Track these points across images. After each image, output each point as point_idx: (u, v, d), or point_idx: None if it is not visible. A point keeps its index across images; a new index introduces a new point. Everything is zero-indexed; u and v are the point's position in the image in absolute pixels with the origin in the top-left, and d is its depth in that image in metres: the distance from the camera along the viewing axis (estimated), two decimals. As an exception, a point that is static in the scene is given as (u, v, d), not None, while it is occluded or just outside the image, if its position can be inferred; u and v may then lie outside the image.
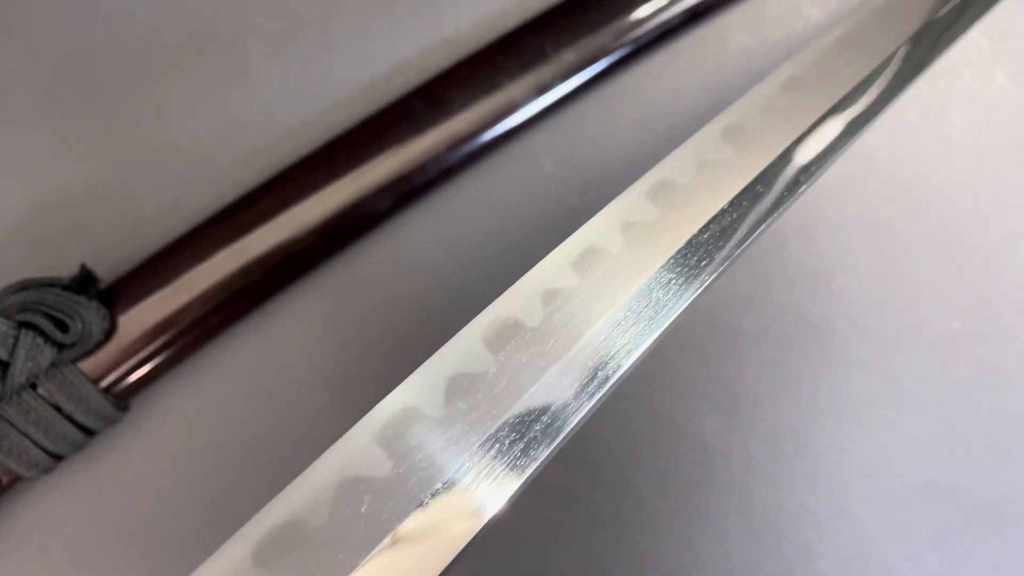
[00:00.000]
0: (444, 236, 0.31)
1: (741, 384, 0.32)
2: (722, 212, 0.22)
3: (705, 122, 0.24)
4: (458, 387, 0.18)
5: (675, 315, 0.20)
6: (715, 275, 0.21)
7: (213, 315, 0.28)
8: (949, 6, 0.28)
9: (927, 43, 0.27)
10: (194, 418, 0.29)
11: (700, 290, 0.21)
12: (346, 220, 0.28)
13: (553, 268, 0.19)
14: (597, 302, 0.19)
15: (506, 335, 0.18)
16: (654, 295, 0.20)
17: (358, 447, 0.17)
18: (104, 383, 0.27)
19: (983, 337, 0.34)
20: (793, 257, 0.33)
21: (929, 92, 0.35)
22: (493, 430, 0.18)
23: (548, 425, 0.18)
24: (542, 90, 0.30)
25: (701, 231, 0.22)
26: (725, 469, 0.32)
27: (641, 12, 0.31)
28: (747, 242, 0.22)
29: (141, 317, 0.27)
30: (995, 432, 0.33)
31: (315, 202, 0.28)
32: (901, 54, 0.27)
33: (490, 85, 0.30)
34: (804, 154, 0.23)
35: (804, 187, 0.23)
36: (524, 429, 0.18)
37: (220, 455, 0.29)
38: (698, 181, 0.22)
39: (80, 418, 0.26)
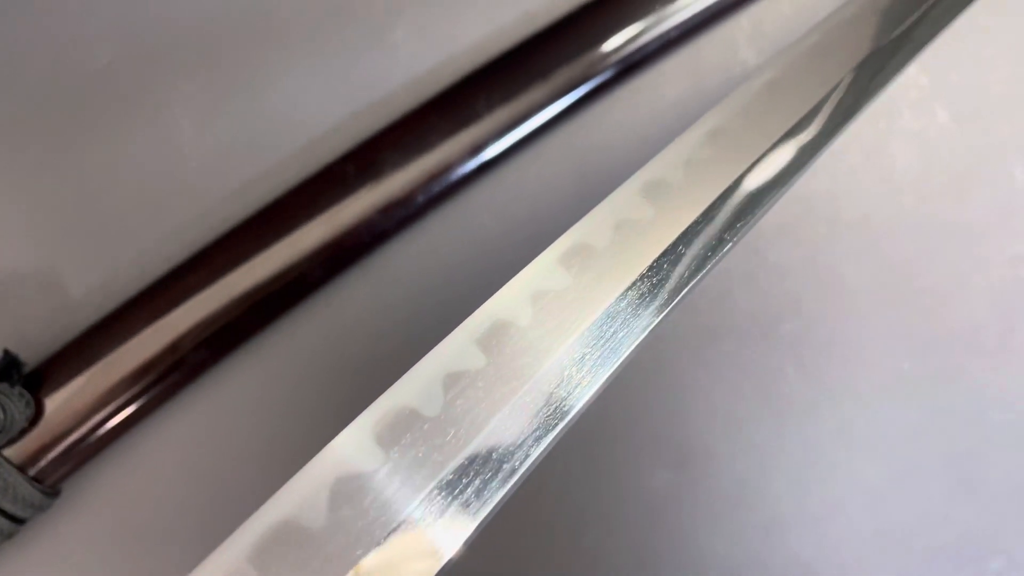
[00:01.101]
0: (383, 299, 0.30)
1: (689, 437, 0.32)
2: (641, 277, 0.21)
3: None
4: (402, 433, 0.17)
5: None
6: (634, 346, 0.20)
7: (143, 394, 0.27)
8: (882, 44, 0.28)
9: (860, 85, 0.27)
10: (130, 498, 0.28)
11: (619, 363, 0.20)
12: (279, 289, 0.28)
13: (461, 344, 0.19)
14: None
15: (449, 383, 0.18)
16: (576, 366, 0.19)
17: (306, 494, 0.16)
18: (32, 470, 0.26)
19: (934, 378, 0.34)
20: (738, 305, 0.33)
21: (870, 132, 0.35)
22: (443, 475, 0.17)
23: (497, 469, 0.18)
24: (477, 149, 0.30)
25: (618, 299, 0.21)
26: (677, 524, 0.32)
27: (575, 67, 0.31)
28: (669, 307, 0.21)
29: (68, 401, 0.26)
30: (948, 473, 0.33)
31: (245, 272, 0.28)
32: (834, 96, 0.26)
33: (423, 146, 0.29)
34: (729, 209, 0.23)
35: (730, 244, 0.23)
36: (474, 473, 0.17)
37: (157, 535, 0.28)
38: (615, 244, 0.22)
39: (7, 507, 0.26)
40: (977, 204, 0.35)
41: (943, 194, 0.35)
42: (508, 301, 0.20)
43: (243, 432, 0.29)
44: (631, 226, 0.21)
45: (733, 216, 0.22)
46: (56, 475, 0.27)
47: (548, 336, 0.19)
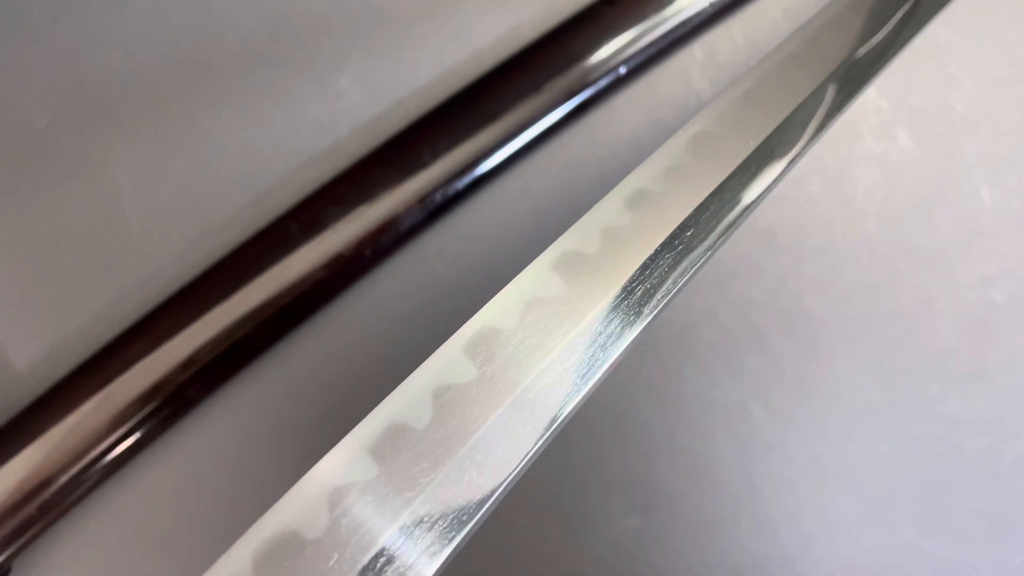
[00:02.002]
0: (335, 356, 0.30)
1: (655, 480, 0.31)
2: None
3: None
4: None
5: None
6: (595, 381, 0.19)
7: (88, 469, 0.26)
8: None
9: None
10: (82, 572, 0.28)
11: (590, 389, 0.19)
12: (225, 352, 0.28)
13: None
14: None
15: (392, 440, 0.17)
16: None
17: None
18: (-24, 550, 0.26)
19: (903, 407, 0.33)
20: (701, 342, 0.32)
21: (831, 158, 0.34)
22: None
23: (447, 525, 0.17)
24: (424, 198, 0.29)
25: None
26: (647, 569, 0.31)
27: (525, 107, 0.31)
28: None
29: (10, 480, 0.26)
30: (921, 504, 0.33)
31: (189, 337, 0.27)
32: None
33: (368, 199, 0.29)
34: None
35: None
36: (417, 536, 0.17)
37: (111, 608, 0.28)
38: (571, 289, 0.21)
39: (-48, 589, 0.25)
40: (944, 226, 0.35)
41: (908, 218, 0.34)
42: (447, 360, 0.19)
43: (194, 496, 0.28)
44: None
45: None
46: (5, 552, 0.26)
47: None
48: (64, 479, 0.26)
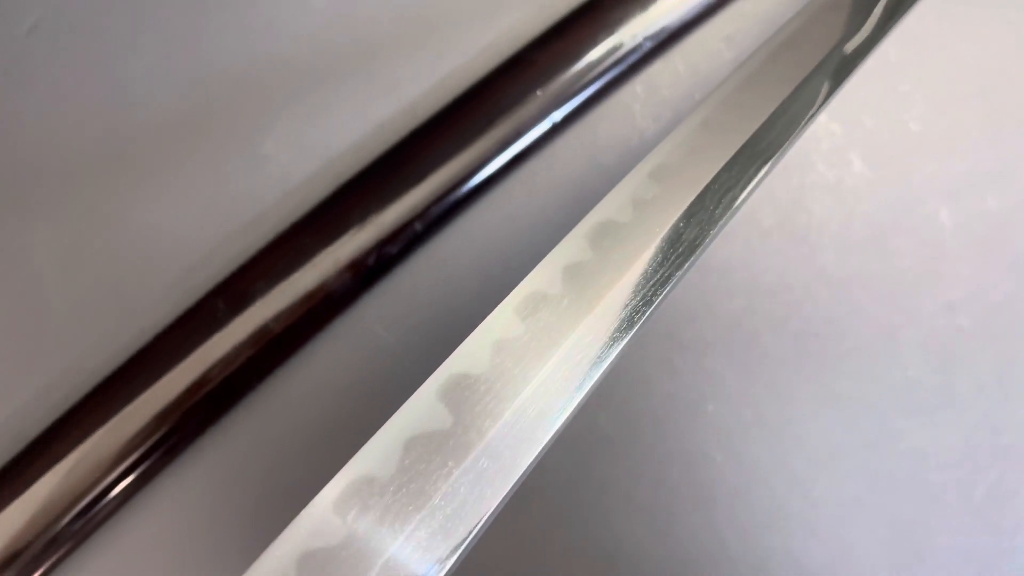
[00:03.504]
0: (273, 436, 0.29)
1: (614, 539, 0.30)
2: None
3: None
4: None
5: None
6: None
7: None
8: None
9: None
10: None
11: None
12: (153, 445, 0.26)
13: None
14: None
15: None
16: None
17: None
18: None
19: (869, 445, 0.32)
20: (657, 392, 0.31)
21: (782, 190, 0.33)
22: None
23: None
24: (356, 264, 0.28)
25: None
26: (610, 630, 0.30)
27: (455, 164, 0.30)
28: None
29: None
30: (893, 545, 0.32)
31: (112, 430, 0.26)
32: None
33: (296, 269, 0.28)
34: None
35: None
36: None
37: None
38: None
39: None
40: (903, 253, 0.34)
41: (866, 247, 0.33)
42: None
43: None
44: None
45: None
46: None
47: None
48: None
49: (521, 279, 0.21)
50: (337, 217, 0.28)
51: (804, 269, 0.33)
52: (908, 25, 0.30)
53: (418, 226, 0.29)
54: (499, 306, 0.19)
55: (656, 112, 0.33)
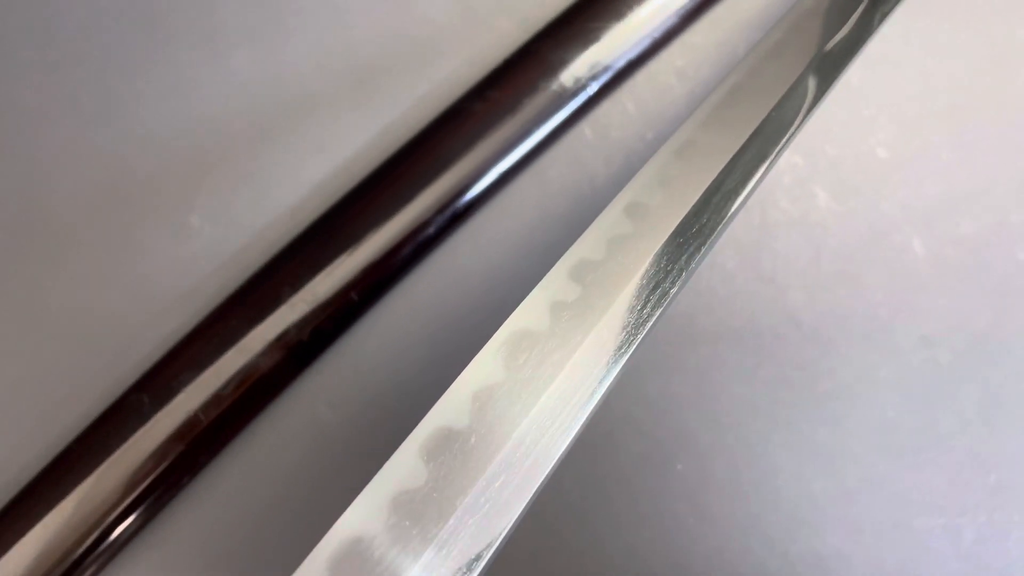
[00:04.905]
0: (213, 529, 0.27)
1: (584, 614, 0.29)
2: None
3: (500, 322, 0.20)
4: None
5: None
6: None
7: None
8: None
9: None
10: None
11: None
12: (80, 556, 0.25)
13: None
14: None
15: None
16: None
17: None
18: None
19: (849, 495, 0.30)
20: (624, 452, 0.30)
21: (743, 230, 0.32)
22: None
23: None
24: (288, 343, 0.27)
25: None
26: None
27: (391, 227, 0.28)
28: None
29: None
30: (879, 600, 0.30)
31: (35, 539, 0.24)
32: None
33: (223, 353, 0.26)
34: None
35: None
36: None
37: None
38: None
39: None
40: (876, 287, 0.32)
41: (836, 284, 0.32)
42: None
43: None
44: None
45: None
46: None
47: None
48: None
49: (473, 343, 0.20)
50: (267, 292, 0.27)
51: (772, 311, 0.31)
52: (869, 46, 0.28)
53: (355, 296, 0.27)
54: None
55: (607, 155, 0.31)
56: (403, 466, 0.18)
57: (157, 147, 0.28)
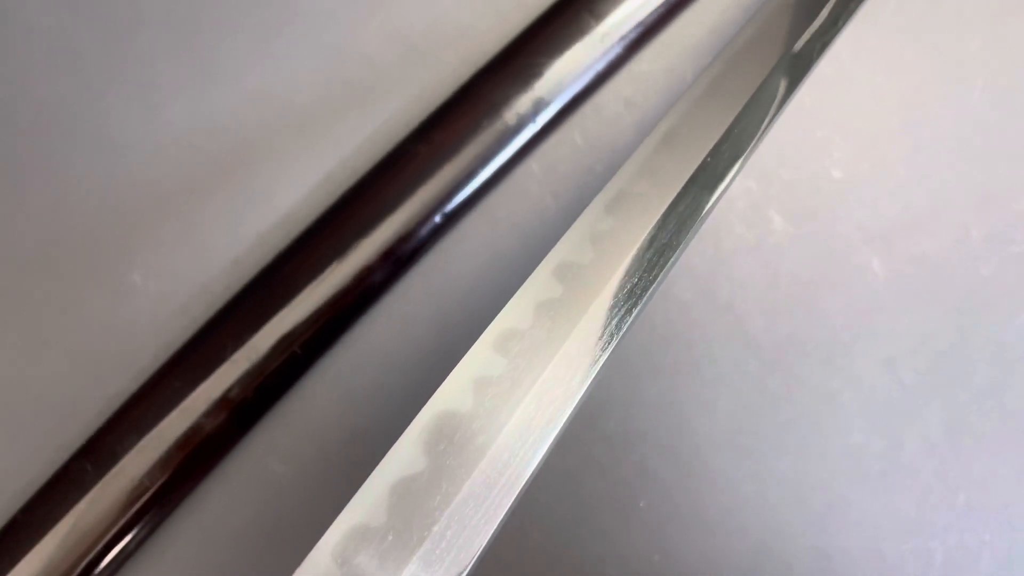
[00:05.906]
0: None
1: (550, 661, 0.28)
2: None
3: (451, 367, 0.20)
4: None
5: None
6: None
7: None
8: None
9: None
10: None
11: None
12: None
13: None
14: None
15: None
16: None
17: None
18: None
19: (816, 524, 0.30)
20: (584, 490, 0.29)
21: (698, 258, 0.31)
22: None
23: None
24: (232, 401, 0.26)
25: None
26: None
27: (334, 277, 0.27)
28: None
29: None
30: (851, 629, 0.30)
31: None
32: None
33: (165, 415, 0.26)
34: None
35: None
36: None
37: None
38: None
39: None
40: (836, 311, 0.31)
41: (795, 309, 0.31)
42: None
43: None
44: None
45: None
46: None
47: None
48: None
49: (427, 388, 0.20)
50: (209, 350, 0.26)
51: (730, 341, 0.31)
52: (819, 65, 0.28)
53: (298, 350, 0.27)
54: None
55: (555, 190, 0.31)
56: (366, 504, 0.18)
57: (94, 204, 0.28)
